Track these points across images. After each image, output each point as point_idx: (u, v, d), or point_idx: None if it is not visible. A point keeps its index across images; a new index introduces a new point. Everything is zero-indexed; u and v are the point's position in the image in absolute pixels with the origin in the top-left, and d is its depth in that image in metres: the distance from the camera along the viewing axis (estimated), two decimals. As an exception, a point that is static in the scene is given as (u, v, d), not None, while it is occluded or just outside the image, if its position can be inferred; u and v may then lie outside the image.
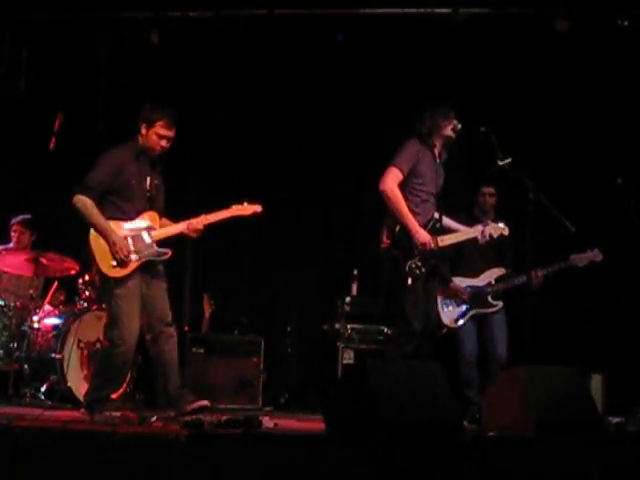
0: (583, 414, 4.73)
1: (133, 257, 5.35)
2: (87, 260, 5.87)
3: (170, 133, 5.48)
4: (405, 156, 5.64)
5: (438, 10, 7.53)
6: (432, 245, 5.57)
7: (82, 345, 6.43)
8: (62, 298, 7.09)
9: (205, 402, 5.31)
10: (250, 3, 7.69)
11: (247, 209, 5.66)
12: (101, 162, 5.44)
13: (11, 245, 7.17)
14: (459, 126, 5.68)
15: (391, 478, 3.68)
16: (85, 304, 6.71)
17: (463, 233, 5.87)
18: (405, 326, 5.55)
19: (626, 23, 7.22)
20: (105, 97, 7.83)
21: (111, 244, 5.32)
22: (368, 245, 5.96)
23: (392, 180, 5.60)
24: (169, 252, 5.50)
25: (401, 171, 5.61)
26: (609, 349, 6.97)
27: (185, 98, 7.47)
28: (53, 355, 6.34)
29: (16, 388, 6.38)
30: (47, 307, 6.80)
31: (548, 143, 7.37)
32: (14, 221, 7.19)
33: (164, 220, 5.62)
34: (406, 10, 7.58)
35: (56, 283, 7.01)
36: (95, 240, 5.36)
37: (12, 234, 7.18)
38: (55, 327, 6.51)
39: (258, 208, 5.67)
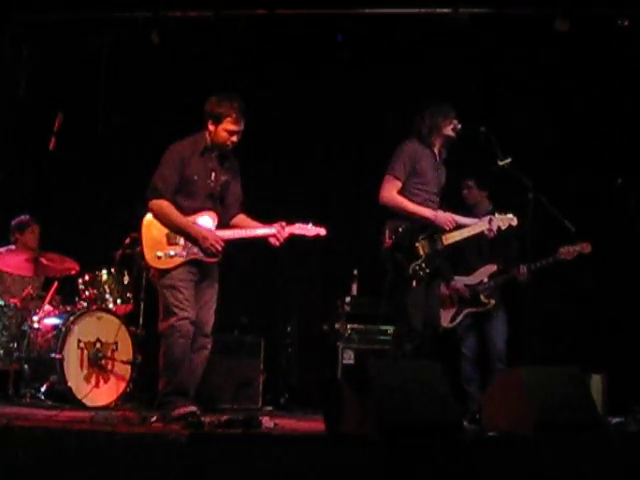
0: (583, 414, 4.73)
1: (184, 253, 5.23)
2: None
3: (240, 127, 5.27)
4: (398, 161, 5.64)
5: (438, 10, 7.53)
6: (454, 221, 5.59)
7: (82, 345, 6.42)
8: (60, 299, 7.06)
9: (192, 408, 5.10)
10: (250, 3, 7.70)
11: (311, 231, 5.44)
12: (163, 159, 5.30)
13: (14, 248, 7.09)
14: (459, 126, 5.68)
15: (391, 478, 3.68)
16: (85, 304, 6.71)
17: (469, 229, 5.76)
18: (406, 326, 5.54)
19: (626, 23, 7.22)
20: (105, 97, 7.83)
21: (202, 240, 5.19)
22: (368, 245, 5.96)
23: (388, 190, 5.61)
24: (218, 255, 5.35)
25: (397, 178, 5.62)
26: (609, 349, 6.97)
27: (184, 98, 7.47)
28: (53, 355, 6.33)
29: (16, 388, 6.37)
30: (47, 307, 6.78)
31: (548, 143, 7.37)
32: (30, 220, 7.10)
33: (240, 217, 5.48)
34: (406, 10, 7.58)
35: (56, 283, 7.00)
36: (146, 230, 5.27)
37: (28, 235, 7.08)
38: (55, 327, 6.50)
39: (322, 231, 5.47)
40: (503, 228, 5.79)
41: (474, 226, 5.79)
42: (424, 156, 5.68)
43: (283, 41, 7.68)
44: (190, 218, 5.29)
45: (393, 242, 5.55)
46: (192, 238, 5.23)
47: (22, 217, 7.15)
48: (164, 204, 5.24)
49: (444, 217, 5.60)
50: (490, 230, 5.76)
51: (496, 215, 5.83)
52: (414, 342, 5.51)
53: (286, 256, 7.60)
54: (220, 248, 5.25)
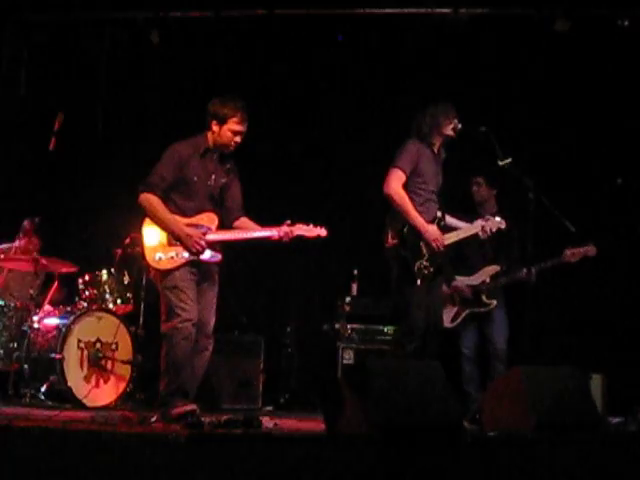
0: (583, 414, 4.73)
1: (185, 254, 5.22)
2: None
3: (244, 128, 5.32)
4: (406, 156, 5.64)
5: (438, 10, 7.53)
6: (442, 241, 5.58)
7: (82, 345, 6.42)
8: (61, 298, 7.06)
9: (192, 407, 5.08)
10: (250, 3, 7.70)
11: (311, 231, 5.42)
12: (163, 158, 5.30)
13: (16, 244, 7.10)
14: (459, 125, 5.68)
15: (391, 478, 3.68)
16: (85, 304, 6.71)
17: (464, 230, 5.85)
18: (409, 326, 5.53)
19: (626, 23, 7.22)
20: (105, 97, 7.83)
21: (185, 238, 5.18)
22: (368, 245, 5.95)
23: (395, 182, 5.59)
24: (219, 256, 5.35)
25: (403, 172, 5.61)
26: (609, 349, 6.97)
27: (185, 98, 7.48)
28: (53, 355, 6.33)
29: (16, 388, 6.37)
30: (47, 307, 6.79)
31: (548, 143, 7.37)
32: (32, 231, 7.09)
33: (242, 220, 5.48)
34: (406, 10, 7.58)
35: (56, 283, 7.00)
36: (146, 231, 5.27)
37: (26, 243, 7.06)
38: (55, 327, 6.51)
39: (323, 232, 5.44)
40: (493, 230, 5.84)
41: (468, 228, 5.87)
42: (425, 156, 5.68)
43: (283, 41, 7.68)
44: (191, 219, 5.30)
45: (399, 241, 5.54)
46: (176, 236, 5.23)
47: (33, 222, 7.07)
48: (153, 199, 5.24)
49: (434, 235, 5.55)
50: (484, 232, 5.84)
51: (490, 218, 5.90)
52: (416, 342, 5.50)
53: (286, 256, 7.62)
54: (204, 246, 5.23)
